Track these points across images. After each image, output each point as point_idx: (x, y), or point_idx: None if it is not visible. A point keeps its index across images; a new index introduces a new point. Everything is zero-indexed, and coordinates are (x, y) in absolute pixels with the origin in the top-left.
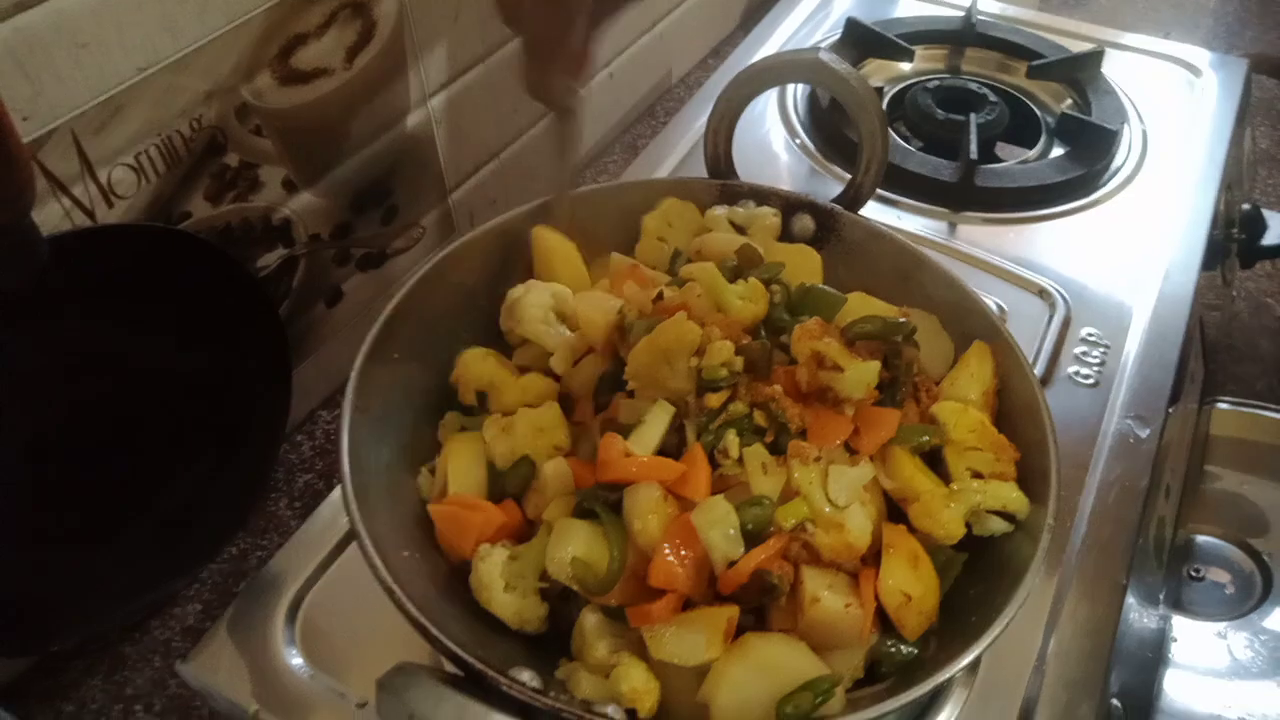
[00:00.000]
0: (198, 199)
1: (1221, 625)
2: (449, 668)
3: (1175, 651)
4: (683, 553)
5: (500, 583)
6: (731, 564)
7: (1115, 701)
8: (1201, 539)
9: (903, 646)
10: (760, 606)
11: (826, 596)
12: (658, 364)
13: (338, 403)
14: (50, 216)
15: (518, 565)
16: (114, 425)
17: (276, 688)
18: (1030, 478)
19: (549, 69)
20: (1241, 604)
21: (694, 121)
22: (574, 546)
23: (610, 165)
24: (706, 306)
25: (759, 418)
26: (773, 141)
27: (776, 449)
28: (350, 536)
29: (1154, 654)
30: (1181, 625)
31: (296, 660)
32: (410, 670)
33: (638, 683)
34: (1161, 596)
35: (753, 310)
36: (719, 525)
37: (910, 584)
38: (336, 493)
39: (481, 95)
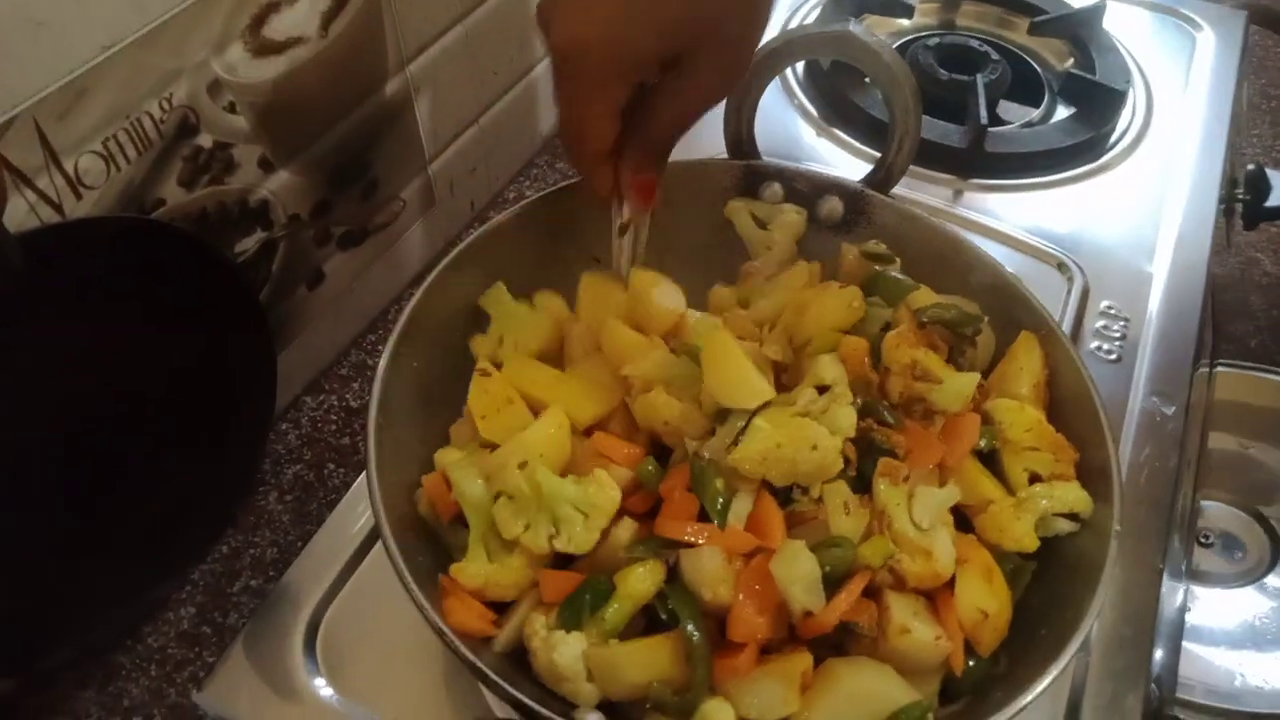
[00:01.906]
0: (171, 184)
1: (1233, 591)
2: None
3: (1190, 620)
4: (761, 603)
5: (584, 671)
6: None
7: (1152, 685)
8: (1209, 504)
9: (976, 664)
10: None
11: (916, 627)
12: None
13: (322, 388)
14: (14, 212)
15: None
16: (94, 425)
17: (302, 716)
18: (1086, 473)
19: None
20: (1251, 569)
21: None
22: (651, 670)
23: None
24: None
25: (846, 448)
26: (770, 103)
27: (860, 480)
28: (366, 547)
29: (1176, 629)
30: (1195, 592)
31: (325, 690)
32: None
33: (729, 717)
34: (1183, 568)
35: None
36: (801, 580)
37: (986, 600)
38: (345, 498)
39: (460, 57)
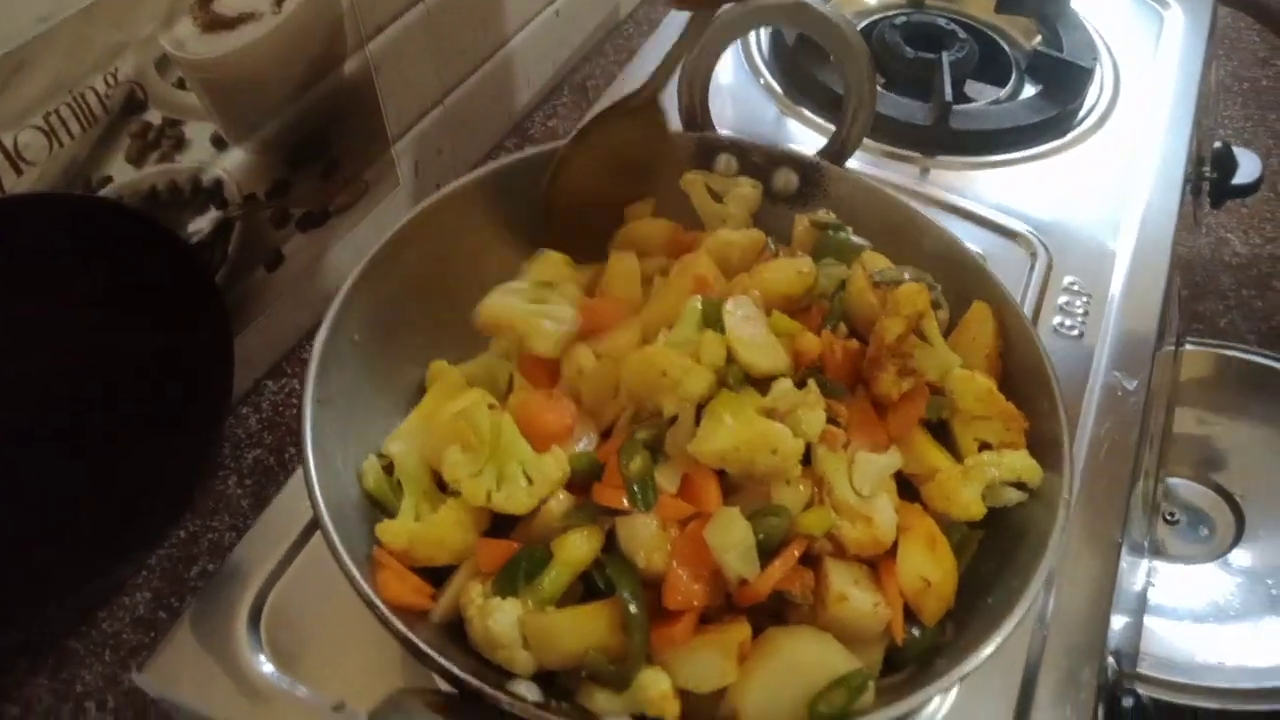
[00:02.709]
0: (119, 161)
1: (1198, 568)
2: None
3: (1154, 596)
4: (696, 571)
5: (519, 639)
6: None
7: (1110, 659)
8: (1174, 481)
9: (920, 633)
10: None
11: (854, 594)
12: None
13: (284, 372)
14: None
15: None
16: (45, 407)
17: (245, 697)
18: (1038, 443)
19: None
20: (1217, 546)
21: (649, 64)
22: (587, 638)
23: (560, 108)
24: None
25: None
26: (735, 82)
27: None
28: (311, 529)
29: (1137, 605)
30: (1159, 570)
31: (267, 667)
32: (404, 706)
33: (665, 687)
34: (1146, 544)
35: None
36: (735, 547)
37: (929, 569)
38: (294, 478)
39: (422, 37)
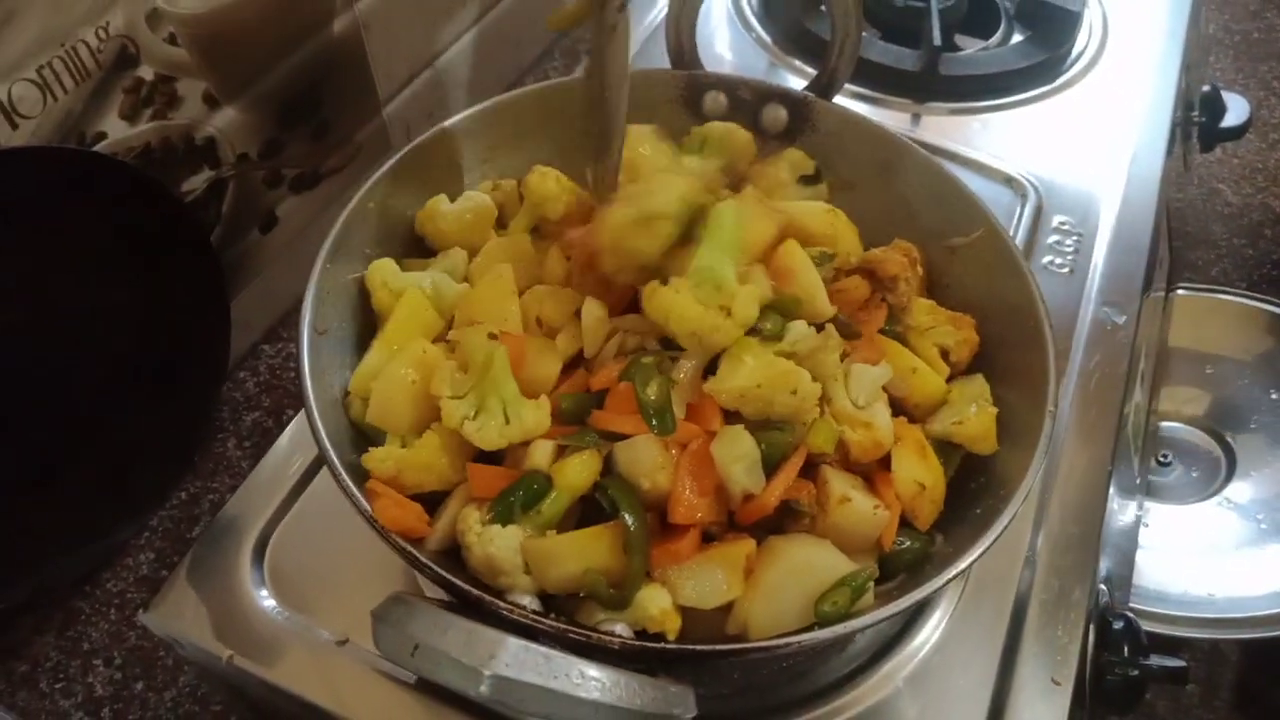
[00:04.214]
0: (112, 117)
1: (1190, 507)
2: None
3: (1146, 536)
4: (702, 486)
5: (521, 564)
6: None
7: (1101, 586)
8: (1167, 425)
9: (912, 543)
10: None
11: (856, 496)
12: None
13: (280, 335)
14: None
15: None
16: (42, 367)
17: (249, 631)
18: (1028, 372)
19: None
20: (1208, 486)
21: (640, 20)
22: (590, 559)
23: (551, 72)
24: None
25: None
26: (726, 38)
27: None
28: (312, 472)
29: (1129, 540)
30: (1152, 510)
31: (269, 602)
32: (407, 600)
33: (666, 604)
34: (1137, 482)
35: None
36: (742, 461)
37: (922, 473)
38: (289, 430)
39: None
